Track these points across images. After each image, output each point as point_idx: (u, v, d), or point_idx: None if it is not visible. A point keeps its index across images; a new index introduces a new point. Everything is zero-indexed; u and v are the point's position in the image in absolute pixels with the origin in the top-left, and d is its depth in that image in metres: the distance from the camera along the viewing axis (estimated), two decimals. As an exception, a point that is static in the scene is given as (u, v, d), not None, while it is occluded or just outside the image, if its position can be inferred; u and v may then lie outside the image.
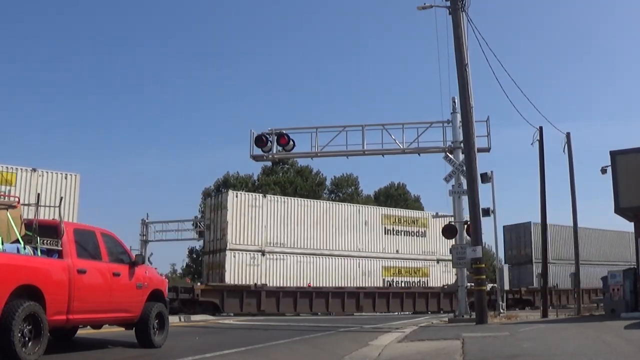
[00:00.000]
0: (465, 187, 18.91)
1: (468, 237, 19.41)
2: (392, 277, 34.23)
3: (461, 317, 18.89)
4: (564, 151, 26.12)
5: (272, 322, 20.82)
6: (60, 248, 8.82)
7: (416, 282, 34.92)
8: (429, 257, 36.10)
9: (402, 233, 35.44)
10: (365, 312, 29.95)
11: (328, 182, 60.93)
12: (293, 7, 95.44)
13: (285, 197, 33.02)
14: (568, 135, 26.19)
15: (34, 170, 24.29)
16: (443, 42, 18.16)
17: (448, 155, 20.70)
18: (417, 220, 36.42)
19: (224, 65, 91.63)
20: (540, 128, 22.42)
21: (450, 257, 32.96)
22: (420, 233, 36.18)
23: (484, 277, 17.06)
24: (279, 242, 30.01)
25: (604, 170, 23.91)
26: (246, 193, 30.81)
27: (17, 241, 8.34)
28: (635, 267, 19.35)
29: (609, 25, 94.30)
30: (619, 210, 18.33)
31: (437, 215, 32.36)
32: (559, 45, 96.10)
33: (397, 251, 34.80)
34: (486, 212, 21.19)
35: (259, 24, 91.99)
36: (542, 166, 22.26)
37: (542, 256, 22.85)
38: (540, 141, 22.36)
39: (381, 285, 32.89)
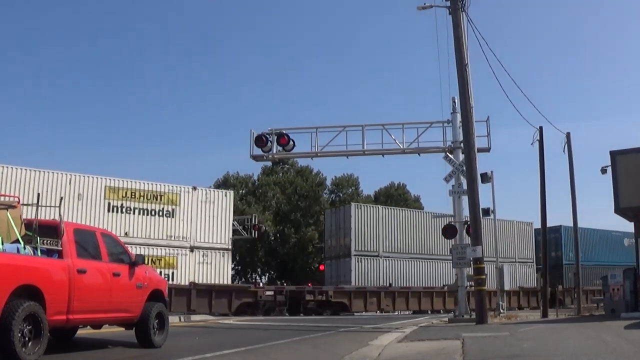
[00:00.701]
0: (465, 187, 18.92)
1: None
2: None
3: (461, 317, 18.89)
4: (564, 151, 26.20)
5: (272, 322, 20.83)
6: (60, 248, 8.81)
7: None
8: (176, 242, 28.20)
9: (137, 211, 27.60)
10: None
11: (328, 182, 60.94)
12: (293, 7, 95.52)
13: None
14: (568, 135, 26.27)
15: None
16: (443, 42, 18.19)
17: (448, 155, 20.71)
18: (161, 196, 28.43)
19: (224, 65, 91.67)
20: (540, 128, 22.46)
21: (211, 245, 28.79)
22: (166, 212, 28.28)
23: (484, 277, 17.07)
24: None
25: (604, 170, 23.95)
26: None
27: (17, 241, 8.34)
28: (635, 267, 19.37)
29: (610, 25, 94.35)
30: (619, 210, 18.35)
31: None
32: (559, 45, 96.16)
33: (126, 234, 26.53)
34: (486, 212, 21.22)
35: (259, 24, 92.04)
36: (542, 166, 22.27)
37: (543, 256, 22.86)
38: (540, 141, 22.38)
39: None
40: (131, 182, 28.39)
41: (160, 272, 25.66)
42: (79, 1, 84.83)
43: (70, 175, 26.39)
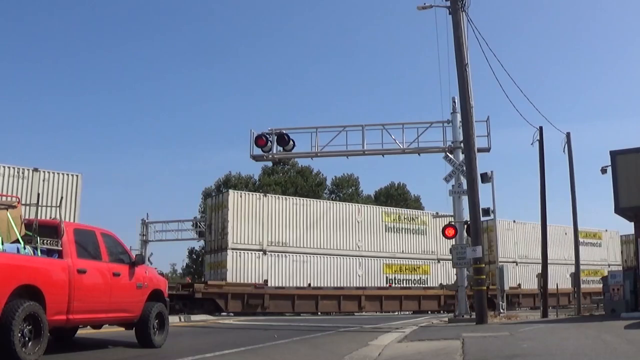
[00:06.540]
0: (465, 187, 18.91)
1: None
2: None
3: (461, 317, 18.89)
4: (564, 151, 26.17)
5: (273, 322, 20.81)
6: (60, 248, 8.82)
7: None
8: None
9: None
10: None
11: (328, 182, 60.97)
12: (293, 7, 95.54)
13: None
14: (568, 135, 26.22)
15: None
16: (443, 42, 18.16)
17: (448, 155, 20.70)
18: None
19: (224, 64, 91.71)
20: (540, 128, 22.42)
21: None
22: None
23: (484, 277, 17.07)
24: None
25: (604, 170, 23.92)
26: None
27: (17, 241, 8.34)
28: (635, 267, 19.36)
29: (610, 25, 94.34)
30: (619, 210, 18.33)
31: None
32: (560, 45, 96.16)
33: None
34: (486, 212, 21.21)
35: (260, 23, 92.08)
36: (542, 166, 22.24)
37: (542, 256, 22.83)
38: (540, 141, 22.35)
39: None
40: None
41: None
42: (88, 5, 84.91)
43: None
